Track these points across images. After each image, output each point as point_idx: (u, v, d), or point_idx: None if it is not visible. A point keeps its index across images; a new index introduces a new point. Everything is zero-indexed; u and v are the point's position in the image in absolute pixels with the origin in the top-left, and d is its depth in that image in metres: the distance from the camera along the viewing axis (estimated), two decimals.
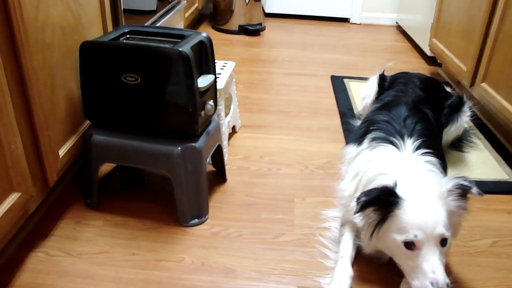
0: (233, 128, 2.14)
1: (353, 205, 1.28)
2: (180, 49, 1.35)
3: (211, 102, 1.50)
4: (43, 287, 1.29)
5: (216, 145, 1.67)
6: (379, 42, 3.80)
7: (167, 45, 1.41)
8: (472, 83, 2.29)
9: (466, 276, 1.38)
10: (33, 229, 1.50)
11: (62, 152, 1.45)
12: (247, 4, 3.74)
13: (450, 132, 1.94)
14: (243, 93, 2.60)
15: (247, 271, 1.37)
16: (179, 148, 1.45)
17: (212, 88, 1.53)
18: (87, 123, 1.61)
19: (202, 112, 1.47)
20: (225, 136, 1.88)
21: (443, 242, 1.20)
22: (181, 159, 1.46)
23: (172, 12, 2.60)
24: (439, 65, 3.15)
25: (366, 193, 1.23)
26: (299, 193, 1.75)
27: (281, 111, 2.42)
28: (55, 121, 1.40)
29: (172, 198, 1.54)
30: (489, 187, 1.80)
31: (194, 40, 1.44)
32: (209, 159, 1.65)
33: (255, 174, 1.85)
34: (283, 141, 2.12)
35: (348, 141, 1.97)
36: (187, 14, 3.21)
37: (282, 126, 2.26)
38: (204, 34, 1.50)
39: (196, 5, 3.56)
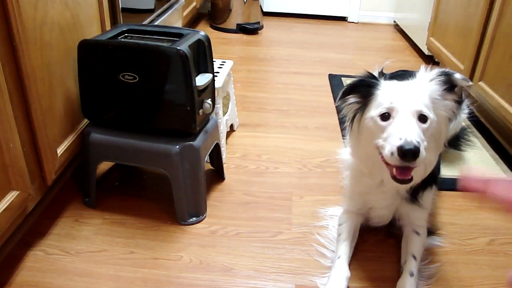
0: (231, 126, 2.14)
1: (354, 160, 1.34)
2: (178, 48, 1.35)
3: (209, 101, 1.50)
4: (41, 285, 1.29)
5: (214, 143, 1.67)
6: (376, 40, 3.81)
7: (165, 44, 1.41)
8: None
9: (464, 275, 1.39)
10: (31, 227, 1.50)
11: (60, 150, 1.45)
12: (245, 3, 3.74)
13: (449, 130, 1.94)
14: (241, 91, 2.60)
15: (245, 270, 1.38)
16: (177, 146, 1.45)
17: (210, 86, 1.53)
18: (85, 121, 1.61)
19: (200, 111, 1.47)
20: (223, 134, 1.88)
21: (422, 118, 1.16)
22: (179, 158, 1.46)
23: (170, 11, 2.60)
24: (437, 63, 3.16)
25: (349, 83, 1.29)
26: (297, 192, 1.75)
27: (278, 109, 2.42)
28: (53, 120, 1.40)
29: (170, 197, 1.54)
30: None
31: (192, 39, 1.44)
32: (207, 158, 1.65)
33: (253, 173, 1.86)
34: (281, 139, 2.12)
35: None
36: (185, 13, 3.21)
37: (280, 124, 2.26)
38: (202, 33, 1.50)
39: (194, 3, 3.56)
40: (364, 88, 1.26)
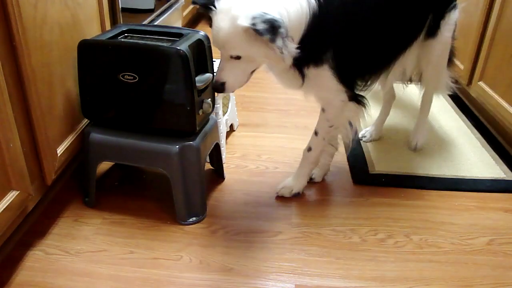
0: (231, 126, 2.14)
1: None
2: (178, 47, 1.35)
3: (209, 101, 1.51)
4: (41, 285, 1.29)
5: (214, 143, 1.67)
6: None
7: (165, 44, 1.41)
8: (469, 82, 2.30)
9: (463, 274, 1.39)
10: (31, 227, 1.50)
11: (60, 150, 1.45)
12: None
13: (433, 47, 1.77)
14: (241, 91, 2.57)
15: (245, 269, 1.38)
16: (177, 146, 1.45)
17: (210, 86, 1.53)
18: (85, 121, 1.61)
19: (200, 111, 1.47)
20: (223, 134, 1.88)
21: (235, 57, 1.35)
22: (179, 158, 1.46)
23: (170, 11, 2.60)
24: None
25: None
26: None
27: (278, 109, 2.42)
28: (53, 120, 1.40)
29: (170, 197, 1.54)
30: (486, 186, 1.80)
31: (192, 39, 1.44)
32: (207, 158, 1.65)
33: (253, 173, 1.86)
34: (281, 139, 2.12)
35: None
36: (185, 13, 3.21)
37: (280, 124, 2.26)
38: (202, 33, 1.50)
39: None
40: None
